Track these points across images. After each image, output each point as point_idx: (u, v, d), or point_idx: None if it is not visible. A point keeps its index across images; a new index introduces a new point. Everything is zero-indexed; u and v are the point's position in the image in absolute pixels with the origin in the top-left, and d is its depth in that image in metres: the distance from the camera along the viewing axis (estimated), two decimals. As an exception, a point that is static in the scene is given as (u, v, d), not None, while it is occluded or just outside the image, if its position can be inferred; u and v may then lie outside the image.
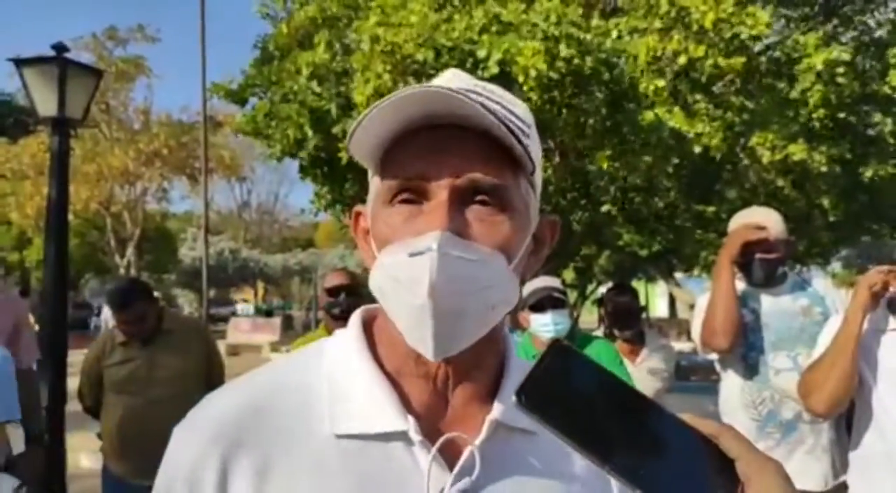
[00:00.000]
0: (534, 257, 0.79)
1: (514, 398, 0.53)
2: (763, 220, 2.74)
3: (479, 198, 0.70)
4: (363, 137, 0.70)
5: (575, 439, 0.52)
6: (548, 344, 0.56)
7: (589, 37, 5.87)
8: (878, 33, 8.56)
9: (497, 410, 0.75)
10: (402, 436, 0.71)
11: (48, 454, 3.90)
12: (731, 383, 2.74)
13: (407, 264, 0.67)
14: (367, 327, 0.81)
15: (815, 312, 2.69)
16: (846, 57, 6.78)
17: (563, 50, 5.56)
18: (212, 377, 3.51)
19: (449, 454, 0.71)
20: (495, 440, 0.73)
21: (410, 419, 0.72)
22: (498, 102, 0.72)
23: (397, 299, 0.69)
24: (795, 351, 2.62)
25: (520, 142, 0.69)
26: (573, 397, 0.54)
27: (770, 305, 2.70)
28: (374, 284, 0.72)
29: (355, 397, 0.74)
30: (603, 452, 0.52)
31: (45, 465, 3.13)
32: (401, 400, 0.73)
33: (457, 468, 0.71)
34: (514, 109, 0.74)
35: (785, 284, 2.75)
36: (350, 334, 0.80)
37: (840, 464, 2.55)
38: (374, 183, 0.76)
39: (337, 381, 0.76)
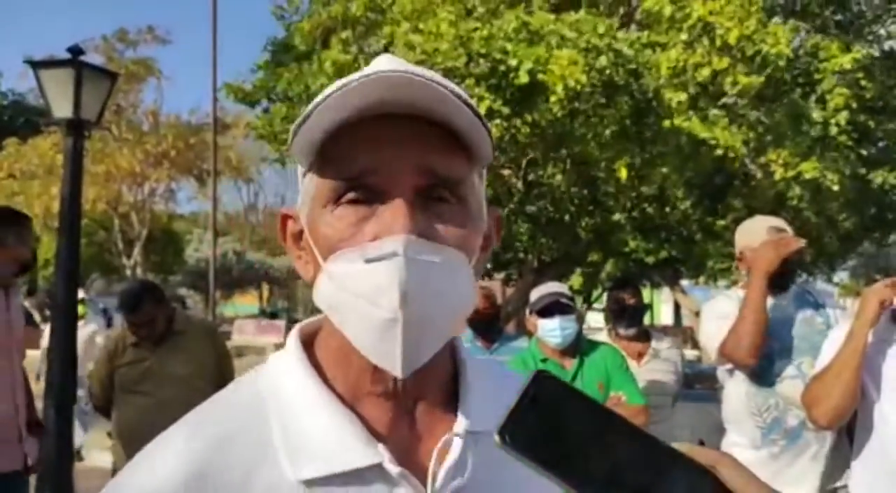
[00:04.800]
0: (483, 253, 0.71)
1: (495, 437, 0.48)
2: (778, 223, 2.75)
3: (437, 194, 0.63)
4: (313, 127, 0.62)
5: (566, 477, 0.48)
6: (531, 376, 0.51)
7: (626, 48, 5.93)
8: (889, 44, 8.61)
9: (462, 420, 0.68)
10: (376, 469, 0.63)
11: (57, 451, 3.95)
12: (735, 390, 2.74)
13: (366, 273, 0.60)
14: (308, 346, 0.71)
15: (818, 321, 2.70)
16: (875, 54, 6.78)
17: (603, 60, 5.62)
18: (222, 379, 3.55)
19: (423, 474, 0.65)
20: (469, 449, 0.67)
21: (381, 448, 0.64)
22: (453, 90, 0.63)
23: (356, 313, 0.62)
24: (799, 359, 2.63)
25: (487, 131, 0.64)
26: (561, 432, 0.49)
27: (775, 313, 2.68)
28: (323, 297, 0.64)
29: (313, 433, 0.64)
30: (597, 489, 0.48)
31: (52, 453, 3.21)
32: (364, 427, 0.65)
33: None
34: (466, 98, 0.65)
35: (789, 293, 2.75)
36: (291, 359, 0.70)
37: (840, 469, 2.57)
38: (311, 182, 0.67)
39: (287, 417, 0.66)
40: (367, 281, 0.60)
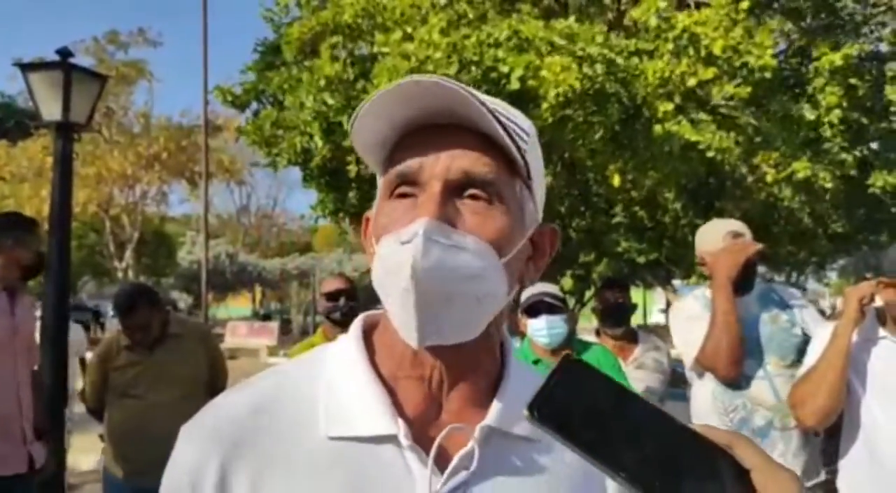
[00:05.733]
0: (533, 263, 0.80)
1: (525, 412, 0.53)
2: (736, 227, 2.75)
3: (471, 192, 0.71)
4: (364, 130, 0.73)
5: (588, 450, 0.52)
6: (560, 359, 0.56)
7: (620, 59, 5.95)
8: (880, 47, 8.66)
9: (492, 415, 0.75)
10: (392, 439, 0.72)
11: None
12: (703, 390, 2.72)
13: (396, 252, 0.69)
14: (368, 333, 0.82)
15: (783, 319, 2.69)
16: (868, 47, 6.82)
17: (598, 68, 5.65)
18: (216, 382, 3.54)
19: (441, 459, 0.72)
20: (489, 445, 0.73)
21: (401, 422, 0.72)
22: (497, 107, 0.74)
23: (388, 287, 0.71)
24: (765, 359, 2.62)
25: (515, 143, 0.71)
26: (586, 410, 0.53)
27: (741, 312, 2.65)
28: (374, 276, 0.73)
29: (349, 401, 0.75)
30: (617, 464, 0.51)
31: (52, 462, 3.19)
32: (394, 404, 0.74)
33: (447, 473, 0.71)
34: (511, 116, 0.75)
35: (753, 291, 2.74)
36: (350, 340, 0.81)
37: (809, 468, 2.58)
38: (379, 182, 0.78)
39: (334, 385, 0.77)
40: (396, 258, 0.69)
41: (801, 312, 2.72)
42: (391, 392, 0.75)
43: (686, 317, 2.76)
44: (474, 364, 0.77)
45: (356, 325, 0.83)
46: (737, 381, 2.61)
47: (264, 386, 0.78)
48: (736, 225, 2.80)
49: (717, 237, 2.73)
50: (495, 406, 0.76)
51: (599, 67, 5.71)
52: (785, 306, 2.73)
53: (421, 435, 0.73)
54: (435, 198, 0.70)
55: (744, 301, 2.67)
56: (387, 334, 0.77)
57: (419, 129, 0.73)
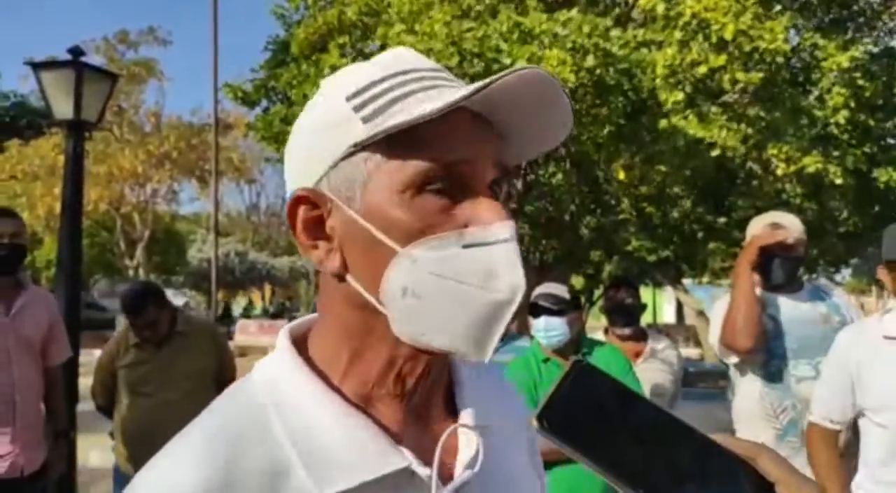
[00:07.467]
0: None
1: (534, 422, 0.49)
2: (781, 219, 2.76)
3: (497, 188, 0.66)
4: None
5: (601, 463, 0.49)
6: (570, 364, 0.53)
7: (615, 49, 5.91)
8: (892, 43, 8.59)
9: (465, 415, 0.69)
10: (403, 473, 0.62)
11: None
12: (748, 391, 2.68)
13: (473, 257, 0.60)
14: (301, 350, 0.68)
15: (834, 320, 2.66)
16: (874, 48, 6.77)
17: (590, 60, 5.61)
18: (224, 379, 3.54)
19: (441, 474, 0.65)
20: (477, 441, 0.68)
21: (405, 451, 0.63)
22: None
23: (454, 298, 0.60)
24: (816, 359, 2.57)
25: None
26: (598, 419, 0.50)
27: (790, 311, 2.66)
28: (399, 282, 0.61)
29: (332, 443, 0.61)
30: (631, 476, 0.48)
31: (62, 464, 3.17)
32: (381, 430, 0.64)
33: (455, 479, 0.65)
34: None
35: (803, 291, 2.74)
36: (287, 364, 0.66)
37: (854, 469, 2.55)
38: (367, 164, 0.62)
39: (297, 426, 0.62)
40: (477, 264, 0.60)
41: (850, 311, 2.73)
42: (368, 417, 0.65)
43: (722, 311, 2.74)
44: (444, 369, 0.72)
45: (286, 346, 0.68)
46: (752, 353, 2.61)
47: (211, 454, 0.60)
48: (779, 217, 2.83)
49: (760, 226, 2.79)
50: (466, 404, 0.70)
51: (592, 58, 5.64)
52: (836, 306, 2.73)
53: (417, 456, 0.64)
54: (491, 196, 0.63)
55: (794, 300, 2.70)
56: (342, 348, 0.66)
57: (455, 111, 0.61)
